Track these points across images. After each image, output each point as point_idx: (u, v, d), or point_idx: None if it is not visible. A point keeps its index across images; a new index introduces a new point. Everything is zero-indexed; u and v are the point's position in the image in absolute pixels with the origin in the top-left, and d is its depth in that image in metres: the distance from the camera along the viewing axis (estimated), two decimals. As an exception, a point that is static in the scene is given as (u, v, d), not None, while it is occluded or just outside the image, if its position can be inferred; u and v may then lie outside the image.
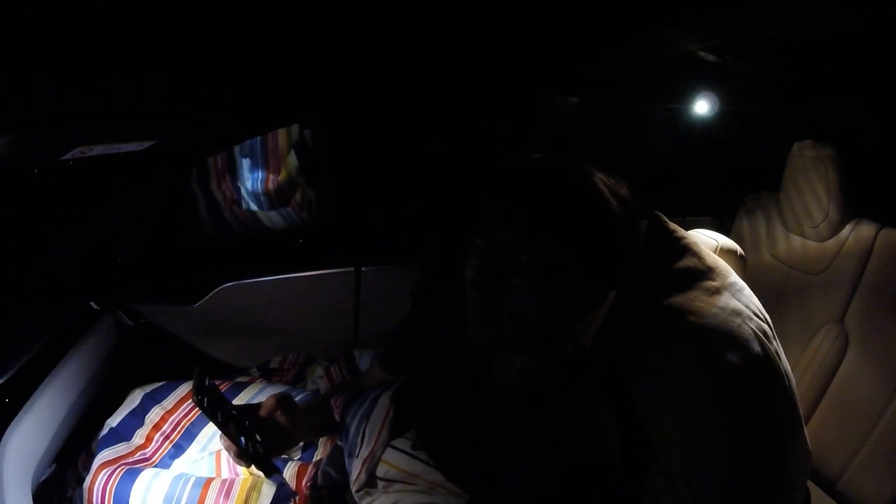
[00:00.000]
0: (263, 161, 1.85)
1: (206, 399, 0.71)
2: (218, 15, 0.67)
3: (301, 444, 1.01)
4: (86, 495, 0.89)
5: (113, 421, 1.04)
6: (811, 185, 1.33)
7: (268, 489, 0.90)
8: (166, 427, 1.04)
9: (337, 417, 0.89)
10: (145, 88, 0.77)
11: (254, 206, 1.83)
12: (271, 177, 1.85)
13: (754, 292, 0.87)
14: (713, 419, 0.72)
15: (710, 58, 1.27)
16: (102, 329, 1.25)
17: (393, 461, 0.77)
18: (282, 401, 0.85)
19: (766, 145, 1.64)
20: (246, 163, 1.84)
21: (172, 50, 0.71)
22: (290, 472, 0.95)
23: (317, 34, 0.80)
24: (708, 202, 1.84)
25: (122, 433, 1.02)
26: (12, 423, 0.88)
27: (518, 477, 0.65)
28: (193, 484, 0.90)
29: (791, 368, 0.83)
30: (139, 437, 1.02)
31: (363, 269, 1.51)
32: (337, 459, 0.89)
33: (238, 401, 1.11)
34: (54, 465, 1.04)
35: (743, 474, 0.72)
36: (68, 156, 0.81)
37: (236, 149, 1.82)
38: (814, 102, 1.58)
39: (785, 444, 0.76)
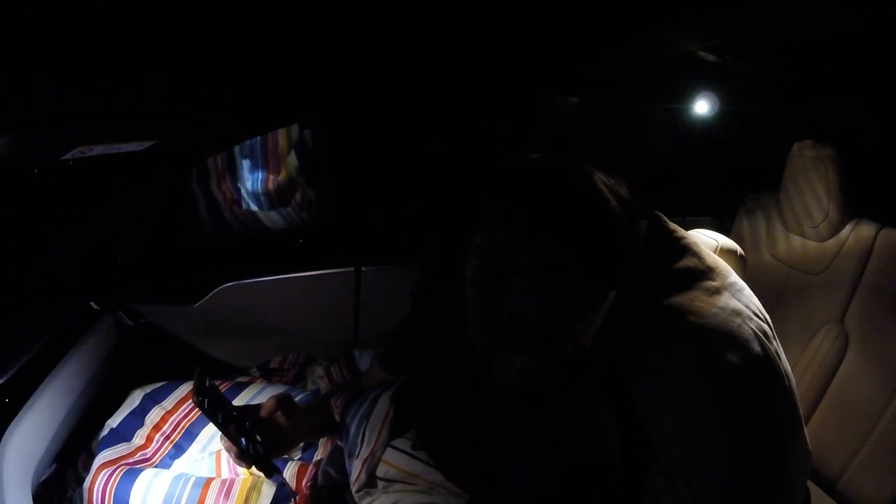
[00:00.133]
0: (263, 161, 1.85)
1: (206, 400, 0.71)
2: (218, 15, 0.67)
3: (301, 444, 1.01)
4: (86, 495, 0.89)
5: (113, 421, 1.04)
6: (811, 185, 1.33)
7: (268, 489, 0.90)
8: (166, 427, 1.04)
9: (337, 417, 0.89)
10: (145, 88, 0.77)
11: (254, 207, 1.83)
12: (271, 177, 1.85)
13: (754, 292, 0.87)
14: (713, 419, 0.72)
15: (710, 58, 1.27)
16: (102, 329, 1.25)
17: (393, 461, 0.77)
18: (282, 401, 0.85)
19: (766, 145, 1.64)
20: (246, 163, 1.84)
21: (172, 50, 0.70)
22: (290, 472, 0.95)
23: (317, 34, 0.80)
24: (708, 202, 1.84)
25: (123, 434, 1.02)
26: (12, 423, 0.88)
27: (518, 477, 0.65)
28: (193, 484, 0.90)
29: (791, 368, 0.84)
30: (139, 438, 1.02)
31: (363, 269, 1.51)
32: (337, 459, 0.89)
33: (238, 401, 1.11)
34: (54, 465, 1.04)
35: (743, 474, 0.72)
36: (68, 156, 0.81)
37: (236, 149, 1.82)
38: (814, 102, 1.58)
39: (785, 444, 0.76)
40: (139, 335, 1.36)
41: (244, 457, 0.76)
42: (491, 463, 0.68)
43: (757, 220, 1.56)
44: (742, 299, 0.83)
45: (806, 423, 0.87)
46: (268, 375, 1.35)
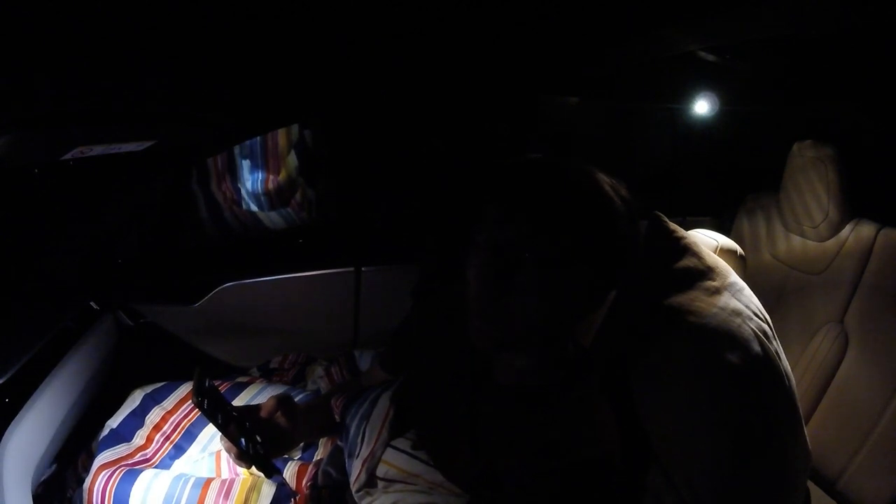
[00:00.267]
0: (263, 161, 1.85)
1: (206, 401, 0.71)
2: (218, 15, 0.67)
3: (301, 444, 1.01)
4: (85, 496, 0.89)
5: (113, 422, 1.04)
6: (811, 185, 1.33)
7: (267, 489, 0.90)
8: (167, 428, 1.04)
9: (337, 417, 0.89)
10: (145, 88, 0.77)
11: (254, 207, 1.83)
12: (271, 177, 1.85)
13: (754, 292, 0.87)
14: (713, 419, 0.72)
15: (710, 58, 1.27)
16: (102, 329, 1.25)
17: (393, 461, 0.77)
18: (282, 401, 0.85)
19: (766, 145, 1.64)
20: (246, 163, 1.84)
21: (172, 50, 0.70)
22: (290, 472, 0.95)
23: (317, 34, 0.80)
24: (708, 202, 1.84)
25: (123, 434, 1.02)
26: (12, 423, 0.88)
27: (518, 477, 0.65)
28: (193, 484, 0.90)
29: (791, 368, 0.84)
30: (139, 438, 1.02)
31: (363, 269, 1.51)
32: (337, 459, 0.89)
33: (238, 401, 1.11)
34: (54, 466, 1.04)
35: (743, 474, 0.72)
36: (68, 156, 0.80)
37: (236, 149, 1.82)
38: (814, 102, 1.58)
39: (785, 444, 0.76)
40: (139, 335, 1.36)
41: (244, 457, 0.76)
42: (491, 463, 0.68)
43: (757, 220, 1.56)
44: (742, 299, 0.83)
45: (806, 423, 0.87)
46: (268, 375, 1.35)
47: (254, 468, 0.76)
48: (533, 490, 0.63)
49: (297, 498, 0.90)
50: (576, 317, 0.67)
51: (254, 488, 0.90)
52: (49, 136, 0.73)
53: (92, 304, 1.27)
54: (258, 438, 0.78)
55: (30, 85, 0.61)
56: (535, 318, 0.62)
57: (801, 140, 1.37)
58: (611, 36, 1.01)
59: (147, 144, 0.94)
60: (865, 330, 1.22)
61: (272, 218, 1.82)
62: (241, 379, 1.27)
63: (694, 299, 0.79)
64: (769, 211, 1.52)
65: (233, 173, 1.83)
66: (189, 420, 1.05)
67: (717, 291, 0.81)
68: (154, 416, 1.05)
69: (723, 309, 0.78)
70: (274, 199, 1.84)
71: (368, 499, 0.79)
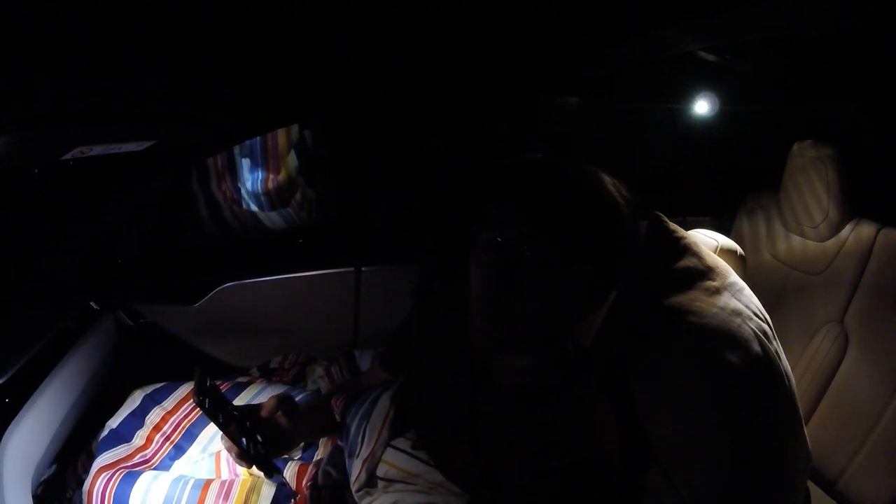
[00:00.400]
0: (263, 161, 1.85)
1: (207, 400, 0.71)
2: (218, 15, 0.67)
3: (302, 444, 1.01)
4: (85, 498, 0.89)
5: (113, 422, 1.04)
6: (811, 185, 1.33)
7: (267, 490, 0.90)
8: (167, 428, 1.04)
9: (337, 417, 0.89)
10: (145, 88, 0.77)
11: (254, 207, 1.83)
12: (271, 177, 1.85)
13: (754, 292, 0.87)
14: (713, 419, 0.72)
15: (710, 58, 1.27)
16: (102, 329, 1.25)
17: (393, 461, 0.77)
18: (283, 401, 0.85)
19: (766, 145, 1.64)
20: (246, 163, 1.84)
21: (172, 50, 0.70)
22: (290, 472, 0.95)
23: (317, 34, 0.80)
24: (708, 202, 1.84)
25: (123, 434, 1.02)
26: (12, 423, 0.88)
27: (518, 477, 0.65)
28: (192, 486, 0.90)
29: (791, 368, 0.84)
30: (139, 439, 1.02)
31: (363, 269, 1.51)
32: (337, 459, 0.89)
33: (239, 401, 1.11)
34: (54, 466, 1.04)
35: (743, 474, 0.72)
36: (68, 156, 0.80)
37: (236, 149, 1.81)
38: (814, 102, 1.58)
39: (785, 444, 0.76)
40: (139, 335, 1.36)
41: (245, 457, 0.76)
42: (491, 463, 0.68)
43: (757, 220, 1.56)
44: (742, 299, 0.83)
45: (806, 423, 0.87)
46: (268, 375, 1.35)
47: (254, 468, 0.76)
48: (533, 490, 0.63)
49: (297, 498, 0.90)
50: (576, 317, 0.67)
51: (253, 489, 0.90)
52: (49, 136, 0.73)
53: (92, 304, 1.27)
54: (259, 438, 0.78)
55: (30, 85, 0.61)
56: (536, 317, 0.62)
57: (801, 140, 1.37)
58: (611, 36, 1.01)
59: (147, 144, 0.94)
60: (865, 330, 1.22)
61: (272, 218, 1.82)
62: (241, 379, 1.27)
63: (694, 299, 0.79)
64: (769, 211, 1.52)
65: (233, 173, 1.83)
66: (189, 420, 1.05)
67: (717, 291, 0.81)
68: (154, 416, 1.05)
69: (723, 309, 0.78)
70: (274, 199, 1.84)
71: (368, 499, 0.79)
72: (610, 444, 0.65)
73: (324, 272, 1.49)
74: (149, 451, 1.01)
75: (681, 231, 0.88)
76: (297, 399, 1.01)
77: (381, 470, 0.78)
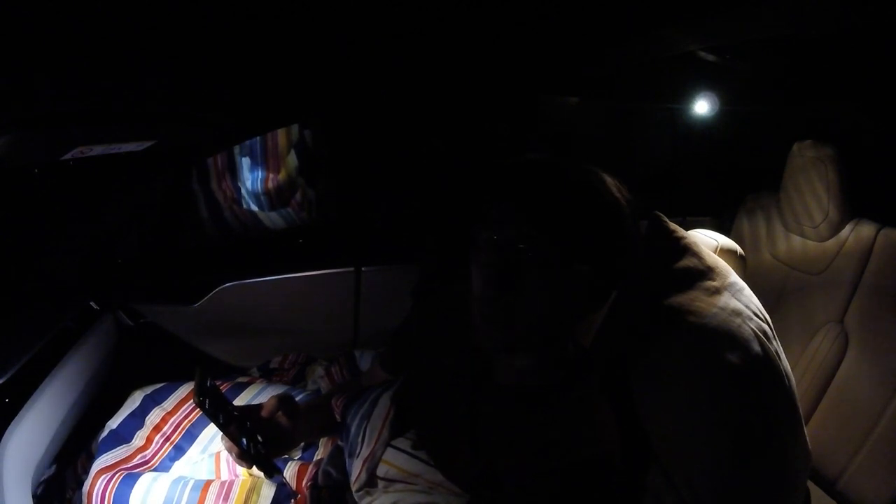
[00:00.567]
0: (263, 161, 1.85)
1: (207, 400, 0.71)
2: (218, 15, 0.67)
3: (302, 444, 1.01)
4: (84, 500, 0.89)
5: (113, 423, 1.04)
6: (811, 185, 1.33)
7: (267, 491, 0.90)
8: (167, 428, 1.04)
9: (338, 417, 0.89)
10: (145, 88, 0.77)
11: (254, 207, 1.83)
12: (271, 177, 1.85)
13: (754, 292, 0.87)
14: (713, 419, 0.72)
15: (710, 58, 1.27)
16: (102, 329, 1.25)
17: (393, 461, 0.77)
18: (283, 401, 0.85)
19: (766, 145, 1.64)
20: (246, 163, 1.84)
21: (172, 50, 0.70)
22: (290, 472, 0.95)
23: (317, 34, 0.80)
24: (708, 202, 1.84)
25: (123, 435, 1.02)
26: (12, 423, 0.88)
27: (518, 477, 0.65)
28: (192, 487, 0.90)
29: (791, 368, 0.84)
30: (139, 439, 1.02)
31: (363, 269, 1.51)
32: (337, 459, 0.89)
33: (239, 401, 1.11)
34: (54, 466, 1.04)
35: (743, 474, 0.72)
36: (68, 156, 0.80)
37: (236, 149, 1.81)
38: (814, 102, 1.58)
39: (785, 444, 0.76)
40: (139, 335, 1.36)
41: (245, 457, 0.76)
42: (491, 463, 0.68)
43: (757, 220, 1.56)
44: (742, 299, 0.83)
45: (806, 423, 0.87)
46: (268, 375, 1.35)
47: (255, 468, 0.76)
48: (533, 490, 0.63)
49: (297, 498, 0.90)
50: (576, 317, 0.67)
51: (253, 490, 0.90)
52: (49, 136, 0.73)
53: (92, 304, 1.27)
54: (259, 438, 0.78)
55: (30, 85, 0.61)
56: (536, 317, 0.62)
57: (801, 140, 1.37)
58: (611, 36, 1.01)
59: (147, 144, 0.94)
60: (865, 330, 1.22)
61: (272, 218, 1.82)
62: (241, 379, 1.27)
63: (694, 299, 0.79)
64: (769, 211, 1.52)
65: (233, 173, 1.83)
66: (189, 421, 1.05)
67: (717, 291, 0.81)
68: (154, 416, 1.05)
69: (723, 309, 0.78)
70: (274, 198, 1.84)
71: (368, 498, 0.79)
72: (610, 444, 0.65)
73: (324, 272, 1.49)
74: (148, 452, 1.01)
75: (681, 231, 0.88)
76: (297, 399, 1.01)
77: (382, 470, 0.78)
